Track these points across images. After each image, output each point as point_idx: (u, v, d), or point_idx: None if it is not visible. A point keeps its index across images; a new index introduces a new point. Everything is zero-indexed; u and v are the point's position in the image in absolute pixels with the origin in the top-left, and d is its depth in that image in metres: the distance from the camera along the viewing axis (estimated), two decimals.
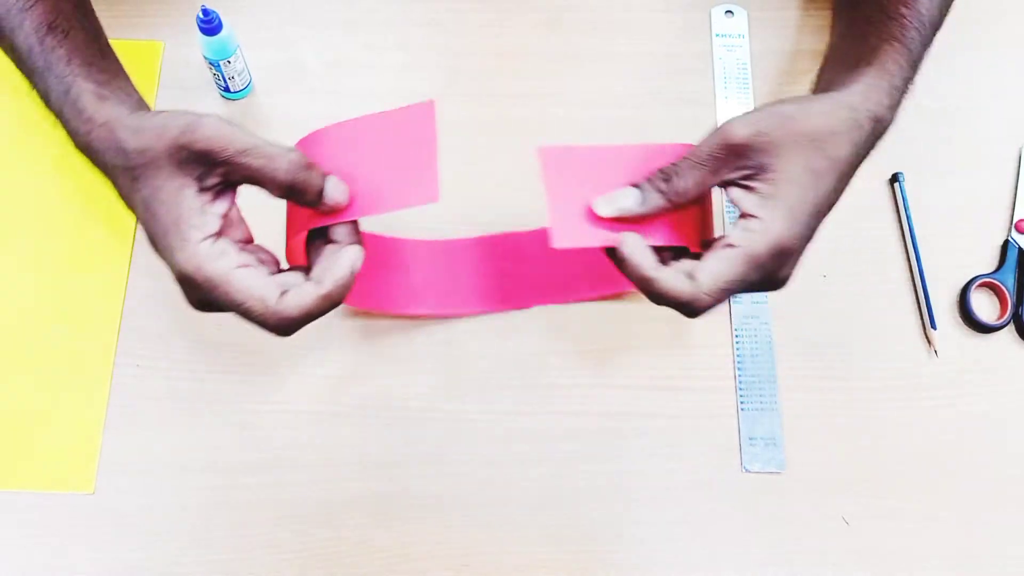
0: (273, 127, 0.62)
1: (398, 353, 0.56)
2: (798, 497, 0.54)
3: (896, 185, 0.61)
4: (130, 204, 0.44)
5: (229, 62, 0.59)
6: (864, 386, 0.57)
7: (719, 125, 0.44)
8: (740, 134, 0.43)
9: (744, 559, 0.53)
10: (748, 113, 0.45)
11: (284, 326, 0.43)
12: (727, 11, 0.66)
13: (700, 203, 0.46)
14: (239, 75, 0.60)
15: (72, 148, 0.47)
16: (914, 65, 0.50)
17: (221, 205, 0.43)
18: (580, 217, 0.45)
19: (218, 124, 0.42)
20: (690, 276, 0.44)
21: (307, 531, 0.53)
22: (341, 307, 0.46)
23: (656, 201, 0.45)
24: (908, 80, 0.49)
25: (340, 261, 0.43)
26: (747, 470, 0.55)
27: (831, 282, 0.59)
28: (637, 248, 0.44)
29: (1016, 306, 0.58)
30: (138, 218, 0.44)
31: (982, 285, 0.59)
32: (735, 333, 0.57)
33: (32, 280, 0.57)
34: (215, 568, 0.52)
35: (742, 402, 0.56)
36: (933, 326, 0.57)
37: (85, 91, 0.46)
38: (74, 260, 0.57)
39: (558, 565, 0.53)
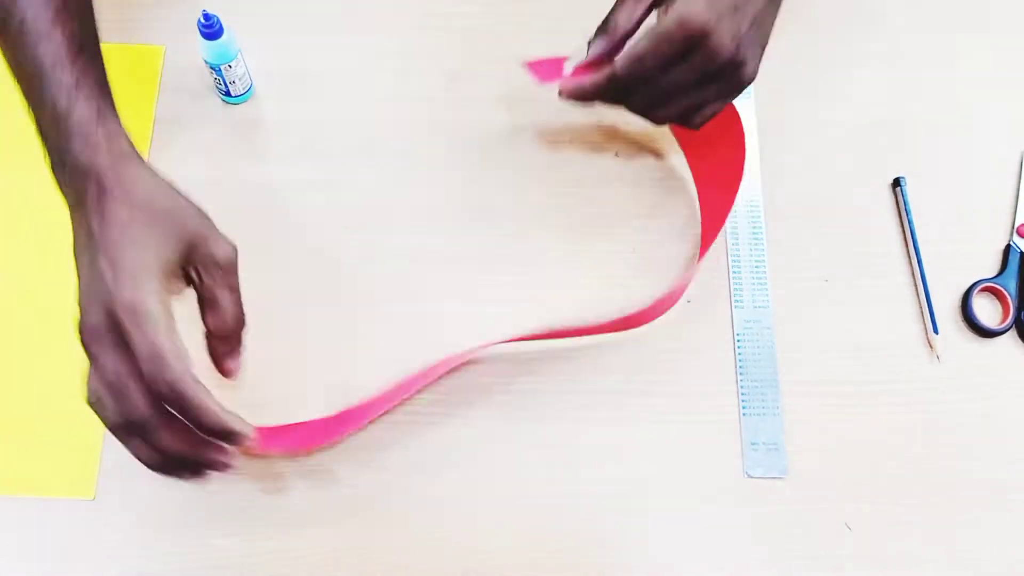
0: (274, 131, 0.62)
1: (398, 355, 0.56)
2: (800, 502, 0.54)
3: (898, 189, 0.61)
4: (94, 213, 0.45)
5: (230, 66, 0.59)
6: (866, 391, 0.56)
7: None
8: None
9: (746, 564, 0.53)
10: None
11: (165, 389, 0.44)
12: None
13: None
14: (240, 79, 0.60)
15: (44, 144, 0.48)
16: None
17: (177, 285, 0.47)
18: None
19: (232, 254, 0.47)
20: None
21: (308, 535, 0.53)
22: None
23: (600, 46, 0.52)
24: None
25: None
26: (749, 475, 0.54)
27: (833, 286, 0.59)
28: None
29: (1018, 311, 0.58)
30: (94, 232, 0.44)
31: (984, 290, 0.59)
32: (737, 337, 0.57)
33: (32, 283, 0.57)
34: (216, 573, 0.52)
35: (744, 407, 0.56)
36: (935, 331, 0.57)
37: (112, 119, 0.47)
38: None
39: (559, 569, 0.52)
